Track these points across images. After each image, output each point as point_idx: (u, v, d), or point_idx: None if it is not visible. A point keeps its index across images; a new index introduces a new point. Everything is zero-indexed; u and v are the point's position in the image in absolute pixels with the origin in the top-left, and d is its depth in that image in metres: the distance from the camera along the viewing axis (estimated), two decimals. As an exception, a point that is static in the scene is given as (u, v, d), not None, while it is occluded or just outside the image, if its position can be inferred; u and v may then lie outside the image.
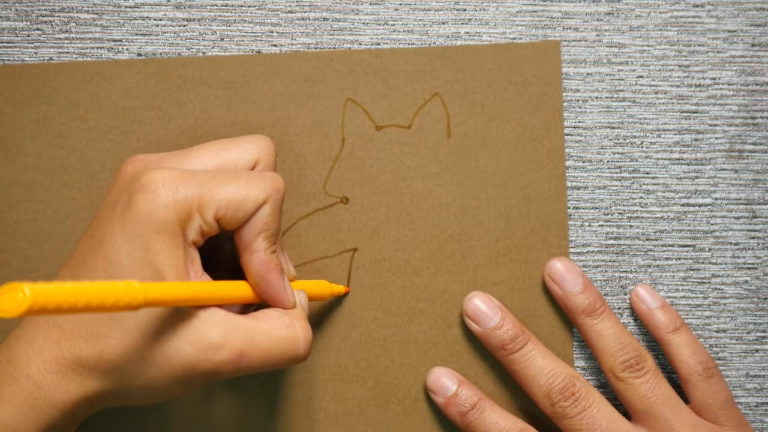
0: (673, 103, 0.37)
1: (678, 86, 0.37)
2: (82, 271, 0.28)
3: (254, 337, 0.28)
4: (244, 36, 0.37)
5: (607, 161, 0.37)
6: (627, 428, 0.33)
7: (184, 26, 0.37)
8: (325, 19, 0.37)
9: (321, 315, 0.36)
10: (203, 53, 0.37)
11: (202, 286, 0.28)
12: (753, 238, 0.37)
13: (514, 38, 0.37)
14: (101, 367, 0.27)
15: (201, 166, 0.30)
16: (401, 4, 0.37)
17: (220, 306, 0.29)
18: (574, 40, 0.37)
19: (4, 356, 0.28)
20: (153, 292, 0.25)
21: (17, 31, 0.36)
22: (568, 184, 0.37)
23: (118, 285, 0.23)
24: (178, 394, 0.28)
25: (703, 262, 0.37)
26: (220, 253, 0.32)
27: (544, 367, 0.34)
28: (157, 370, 0.27)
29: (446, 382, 0.35)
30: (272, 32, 0.37)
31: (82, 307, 0.22)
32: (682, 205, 0.37)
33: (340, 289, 0.36)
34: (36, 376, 0.27)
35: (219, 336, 0.27)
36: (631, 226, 0.37)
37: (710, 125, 0.37)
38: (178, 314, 0.27)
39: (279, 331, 0.28)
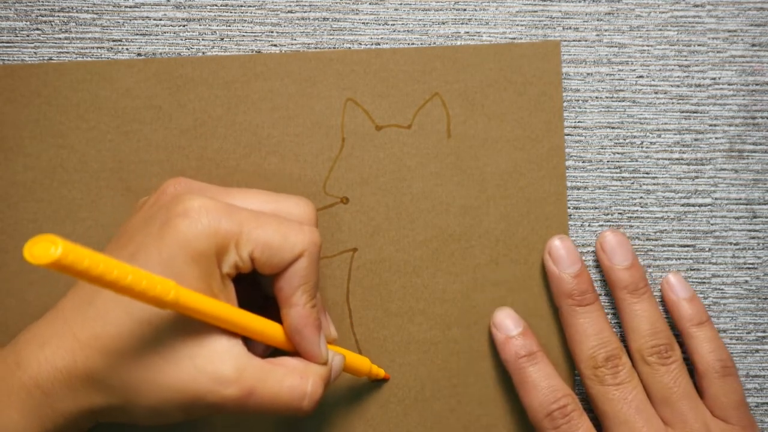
0: (673, 103, 0.37)
1: (678, 86, 0.37)
2: None
3: (266, 379, 0.28)
4: (244, 36, 0.37)
5: (607, 161, 0.37)
6: (653, 414, 0.33)
7: (183, 26, 0.37)
8: (325, 19, 0.37)
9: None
10: (203, 53, 0.37)
11: (235, 311, 0.28)
12: (753, 238, 0.37)
13: (514, 38, 0.37)
14: (112, 383, 0.27)
15: (243, 206, 0.30)
16: (401, 4, 0.37)
17: (246, 341, 0.29)
18: (574, 40, 0.37)
19: (12, 359, 0.28)
20: (186, 296, 0.25)
21: (17, 31, 0.36)
22: (568, 184, 0.37)
23: (154, 276, 0.23)
24: (178, 420, 0.28)
25: (703, 262, 0.37)
26: (252, 290, 0.32)
27: (602, 330, 0.34)
28: (166, 393, 0.27)
29: (510, 323, 0.36)
30: (272, 32, 0.37)
31: (109, 281, 0.22)
32: (682, 205, 0.37)
33: (380, 372, 0.36)
34: (45, 384, 0.27)
35: (233, 371, 0.27)
36: (631, 226, 0.37)
37: (710, 125, 0.37)
38: (196, 342, 0.27)
39: (291, 380, 0.29)
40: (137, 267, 0.26)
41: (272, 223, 0.29)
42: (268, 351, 0.31)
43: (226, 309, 0.27)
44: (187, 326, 0.27)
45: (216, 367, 0.27)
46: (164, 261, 0.27)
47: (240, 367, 0.27)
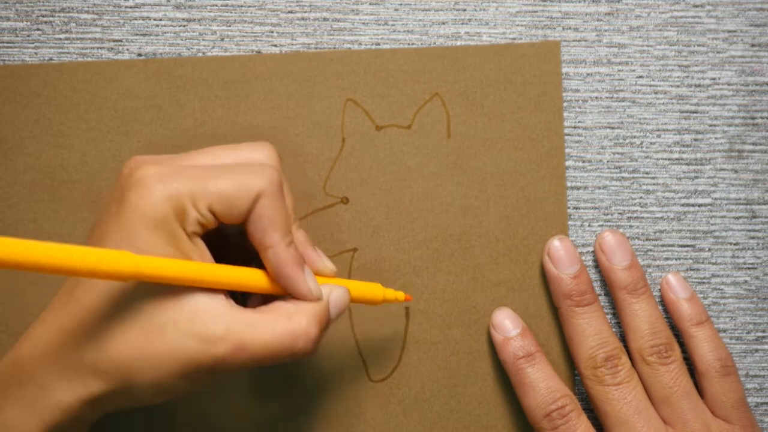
0: (672, 103, 0.37)
1: (678, 86, 0.37)
2: None
3: (255, 330, 0.27)
4: (244, 36, 0.37)
5: (607, 161, 0.37)
6: (653, 414, 0.34)
7: (184, 26, 0.37)
8: (325, 19, 0.37)
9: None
10: (203, 53, 0.37)
11: (208, 267, 0.27)
12: (753, 238, 0.37)
13: (514, 38, 0.37)
14: (105, 367, 0.27)
15: (199, 164, 0.29)
16: (401, 4, 0.37)
17: (231, 295, 0.28)
18: (574, 40, 0.37)
19: (10, 358, 0.28)
20: (147, 263, 0.25)
21: (17, 31, 0.37)
22: (568, 184, 0.37)
23: (104, 251, 0.23)
24: (183, 391, 0.28)
25: (702, 262, 0.37)
26: (232, 248, 0.32)
27: (601, 331, 0.35)
28: (161, 365, 0.27)
29: (508, 324, 0.36)
30: (272, 32, 0.37)
31: (56, 267, 0.22)
32: (682, 205, 0.37)
33: (398, 295, 0.34)
34: (40, 378, 0.27)
35: (220, 328, 0.27)
36: (630, 226, 0.37)
37: (710, 125, 0.37)
38: (180, 306, 0.27)
39: (281, 324, 0.28)
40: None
41: (224, 172, 0.28)
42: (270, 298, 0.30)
43: (198, 267, 0.27)
44: (163, 294, 0.27)
45: (200, 327, 0.27)
46: (126, 236, 0.26)
47: (225, 322, 0.27)
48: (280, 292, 0.30)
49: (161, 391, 0.27)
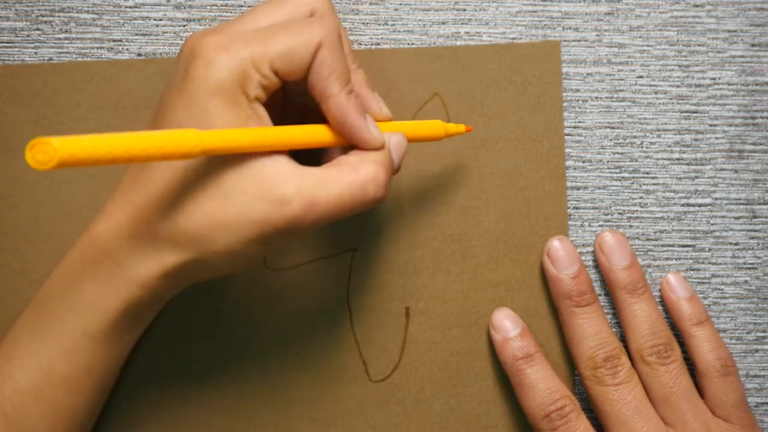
0: (673, 103, 0.37)
1: (678, 86, 0.37)
2: None
3: (324, 185, 0.28)
4: (244, 36, 0.37)
5: (607, 161, 0.37)
6: (652, 414, 0.34)
7: (184, 26, 0.37)
8: (325, 19, 0.37)
9: (320, 314, 0.36)
10: (203, 53, 0.37)
11: (270, 130, 0.27)
12: (753, 238, 0.37)
13: (514, 38, 0.37)
14: (178, 239, 0.27)
15: (254, 27, 0.29)
16: (401, 4, 0.37)
17: (296, 153, 0.28)
18: (574, 40, 0.37)
19: (87, 238, 0.29)
20: (211, 138, 0.25)
21: (17, 31, 0.37)
22: (568, 184, 0.37)
23: (168, 133, 0.24)
24: (256, 257, 0.28)
25: (703, 262, 0.37)
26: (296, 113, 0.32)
27: (600, 331, 0.35)
28: (232, 231, 0.27)
29: (508, 324, 0.36)
30: (272, 32, 0.37)
31: (124, 156, 0.22)
32: (682, 205, 0.37)
33: (459, 128, 0.34)
34: (116, 254, 0.28)
35: (289, 188, 0.27)
36: (631, 226, 0.37)
37: (710, 125, 0.37)
38: (246, 173, 0.27)
39: (349, 176, 0.28)
40: (167, 123, 0.27)
41: (281, 29, 0.28)
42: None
43: (263, 132, 0.27)
44: (228, 163, 0.27)
45: (271, 191, 0.27)
46: (187, 107, 0.27)
47: (294, 181, 0.27)
48: (343, 143, 0.30)
49: (235, 258, 0.28)
